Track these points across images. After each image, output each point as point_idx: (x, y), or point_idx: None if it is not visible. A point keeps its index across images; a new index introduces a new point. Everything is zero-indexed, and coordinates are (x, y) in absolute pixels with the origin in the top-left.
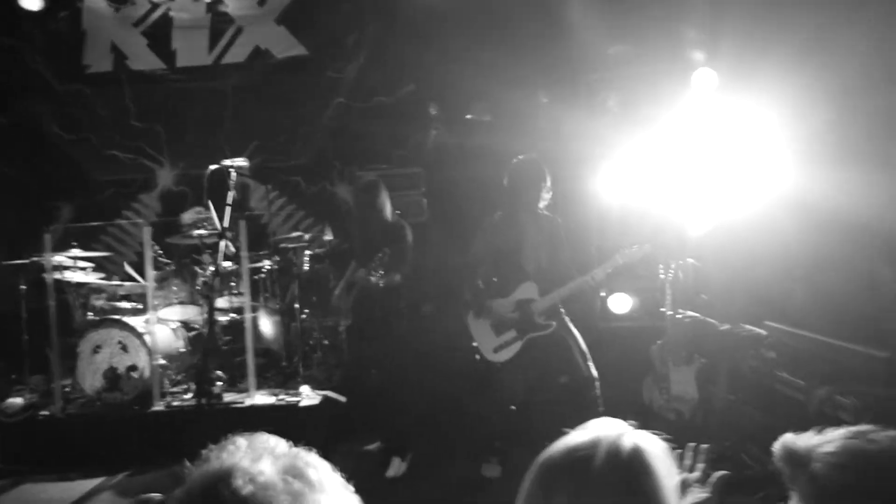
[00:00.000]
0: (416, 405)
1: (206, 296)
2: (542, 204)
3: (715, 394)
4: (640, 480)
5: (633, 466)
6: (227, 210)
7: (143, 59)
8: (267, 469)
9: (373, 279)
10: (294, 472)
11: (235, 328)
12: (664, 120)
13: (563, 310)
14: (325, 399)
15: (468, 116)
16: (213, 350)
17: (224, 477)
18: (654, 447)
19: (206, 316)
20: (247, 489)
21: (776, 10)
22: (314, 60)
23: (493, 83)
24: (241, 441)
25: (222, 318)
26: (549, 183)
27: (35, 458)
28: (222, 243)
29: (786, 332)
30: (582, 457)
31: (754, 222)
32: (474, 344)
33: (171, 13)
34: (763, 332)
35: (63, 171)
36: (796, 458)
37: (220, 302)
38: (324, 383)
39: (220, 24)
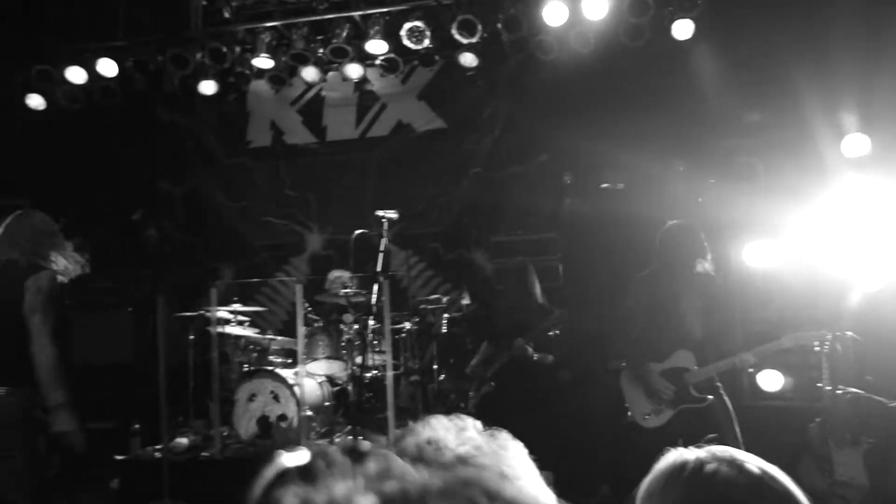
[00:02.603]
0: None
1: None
2: (699, 268)
3: (890, 479)
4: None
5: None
6: (381, 256)
7: (298, 134)
8: (473, 434)
9: (535, 356)
10: (498, 443)
11: (376, 385)
12: (811, 187)
13: (719, 384)
14: None
15: (603, 185)
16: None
17: (433, 441)
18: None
19: (351, 370)
20: (461, 449)
21: None
22: (452, 133)
23: (627, 151)
24: (441, 417)
25: (365, 375)
26: (706, 246)
27: (197, 495)
28: (375, 286)
29: None
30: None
31: None
32: (626, 405)
33: (324, 92)
34: None
35: (225, 236)
36: None
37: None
38: None
39: (366, 101)
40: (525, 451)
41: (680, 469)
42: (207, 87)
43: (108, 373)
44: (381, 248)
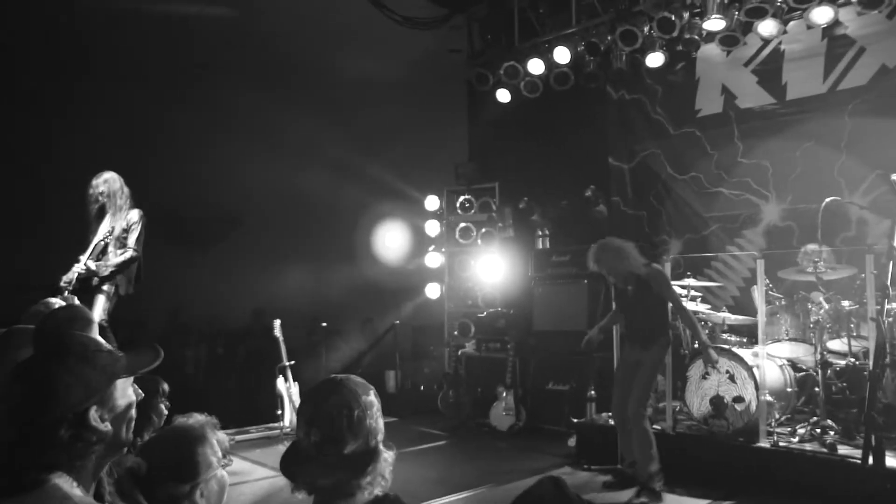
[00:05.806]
0: None
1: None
2: None
3: None
4: None
5: None
6: None
7: (752, 96)
8: None
9: None
10: None
11: (852, 375)
12: None
13: None
14: None
15: None
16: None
17: None
18: None
19: (818, 357)
20: None
21: None
22: None
23: None
24: None
25: (837, 362)
26: None
27: None
28: (891, 264)
29: None
30: None
31: None
32: None
33: (783, 46)
34: None
35: (672, 208)
36: None
37: (835, 344)
38: None
39: (837, 48)
40: None
41: None
42: (655, 60)
43: (568, 339)
44: None
